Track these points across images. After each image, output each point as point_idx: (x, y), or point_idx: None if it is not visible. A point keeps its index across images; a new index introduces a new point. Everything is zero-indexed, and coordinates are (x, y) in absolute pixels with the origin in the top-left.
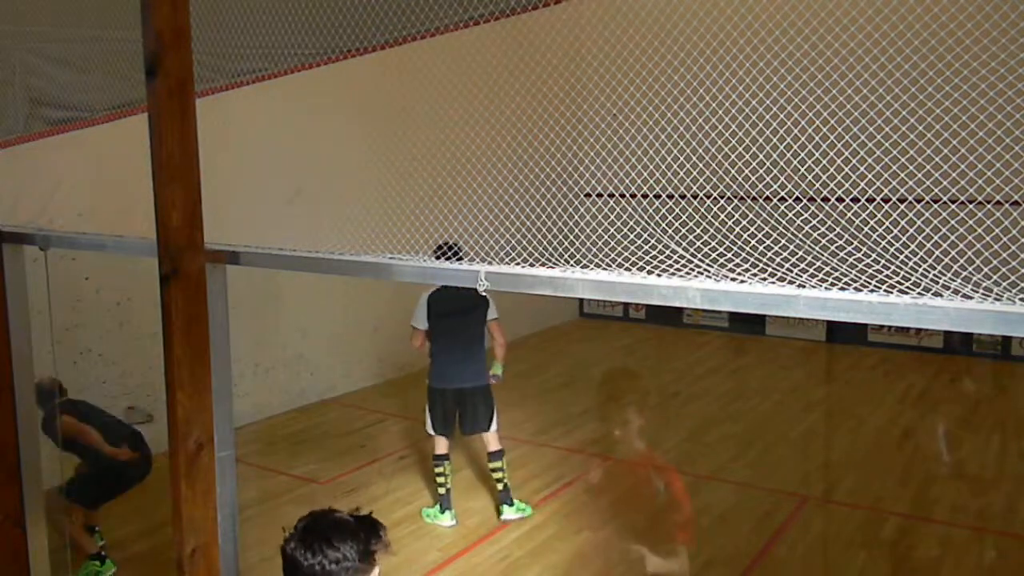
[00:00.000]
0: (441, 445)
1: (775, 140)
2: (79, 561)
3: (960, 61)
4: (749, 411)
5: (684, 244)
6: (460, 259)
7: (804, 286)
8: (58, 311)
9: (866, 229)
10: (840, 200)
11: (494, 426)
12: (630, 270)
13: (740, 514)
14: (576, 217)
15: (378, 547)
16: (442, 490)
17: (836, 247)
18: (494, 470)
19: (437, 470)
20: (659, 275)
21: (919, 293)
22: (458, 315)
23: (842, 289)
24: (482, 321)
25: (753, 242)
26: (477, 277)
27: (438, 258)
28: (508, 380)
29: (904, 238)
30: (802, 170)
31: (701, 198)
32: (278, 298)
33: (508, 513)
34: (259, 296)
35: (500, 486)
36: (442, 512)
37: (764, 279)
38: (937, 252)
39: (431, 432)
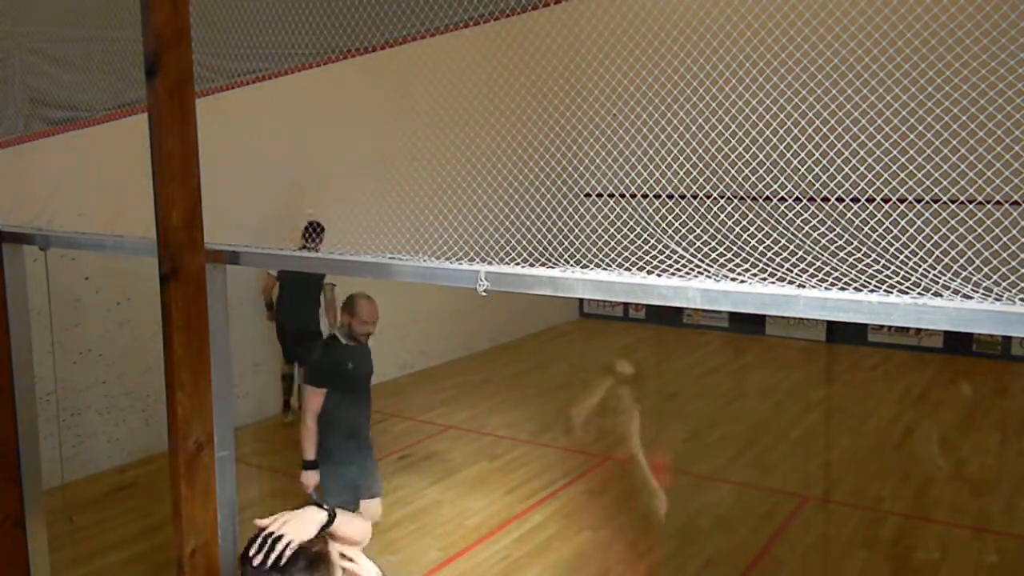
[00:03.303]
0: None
1: (775, 140)
2: None
3: (960, 61)
4: (749, 411)
5: (684, 244)
6: (321, 238)
7: (804, 286)
8: (58, 311)
9: (866, 229)
10: (840, 200)
11: None
12: (630, 270)
13: (740, 514)
14: (576, 217)
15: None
16: (284, 397)
17: (836, 247)
18: None
19: (284, 384)
20: (659, 275)
21: (919, 293)
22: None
23: (842, 289)
24: (321, 279)
25: (753, 242)
26: (477, 277)
27: (305, 235)
28: (508, 380)
29: (904, 238)
30: (802, 170)
31: (701, 198)
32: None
33: None
34: (259, 296)
35: None
36: (285, 410)
37: (764, 279)
38: (937, 252)
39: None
